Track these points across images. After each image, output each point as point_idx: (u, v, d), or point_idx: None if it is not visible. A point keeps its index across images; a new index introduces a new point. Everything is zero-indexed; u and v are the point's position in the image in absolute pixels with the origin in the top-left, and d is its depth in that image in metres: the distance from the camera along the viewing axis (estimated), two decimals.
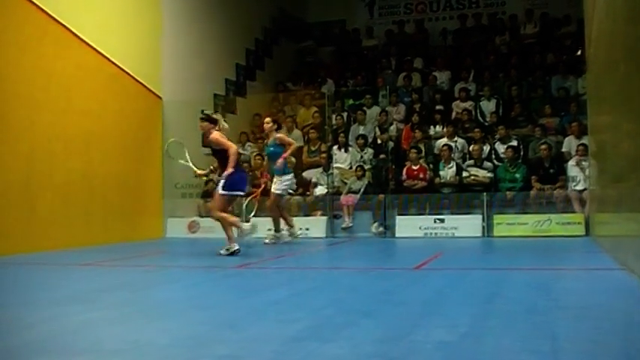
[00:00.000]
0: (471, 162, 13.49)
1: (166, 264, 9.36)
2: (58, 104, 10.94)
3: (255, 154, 14.88)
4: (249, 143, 15.78)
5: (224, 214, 9.16)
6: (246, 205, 12.05)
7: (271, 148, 11.39)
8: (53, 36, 10.87)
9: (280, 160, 11.06)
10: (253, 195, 11.89)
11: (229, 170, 8.99)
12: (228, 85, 16.64)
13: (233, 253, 8.93)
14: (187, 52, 14.82)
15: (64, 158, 11.03)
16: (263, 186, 12.09)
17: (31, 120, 10.35)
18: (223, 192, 9.07)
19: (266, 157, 12.26)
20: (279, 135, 11.58)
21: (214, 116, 9.62)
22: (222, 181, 9.08)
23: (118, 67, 12.38)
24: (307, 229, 12.85)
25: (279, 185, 11.20)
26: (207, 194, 14.18)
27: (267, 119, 11.72)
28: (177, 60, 14.33)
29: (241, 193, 9.76)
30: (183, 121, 14.35)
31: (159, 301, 5.54)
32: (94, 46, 11.74)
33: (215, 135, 9.26)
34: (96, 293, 5.93)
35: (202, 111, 10.25)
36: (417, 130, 14.52)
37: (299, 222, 12.94)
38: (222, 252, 9.08)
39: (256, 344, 3.62)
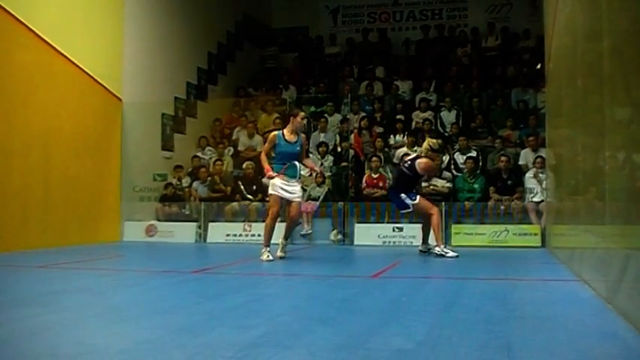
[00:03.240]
0: None
1: (124, 267, 9.25)
2: (15, 103, 10.78)
3: (214, 159, 14.83)
4: (209, 147, 15.70)
5: None
6: None
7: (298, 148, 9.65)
8: (12, 34, 10.71)
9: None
10: None
11: None
12: (189, 88, 16.53)
13: None
14: (149, 54, 14.70)
15: (21, 158, 10.87)
16: None
17: None
18: None
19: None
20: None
21: None
22: None
23: (78, 67, 12.22)
24: None
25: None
26: (166, 198, 14.11)
27: (303, 114, 9.98)
28: (139, 62, 14.20)
29: None
30: (143, 123, 14.31)
31: (116, 305, 5.48)
32: (54, 45, 11.58)
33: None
34: (52, 296, 5.85)
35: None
36: (363, 136, 14.58)
37: (258, 228, 12.93)
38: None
39: (213, 350, 3.59)
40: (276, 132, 9.68)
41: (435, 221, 9.99)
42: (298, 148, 9.42)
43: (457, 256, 9.58)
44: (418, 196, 10.10)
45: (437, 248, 9.87)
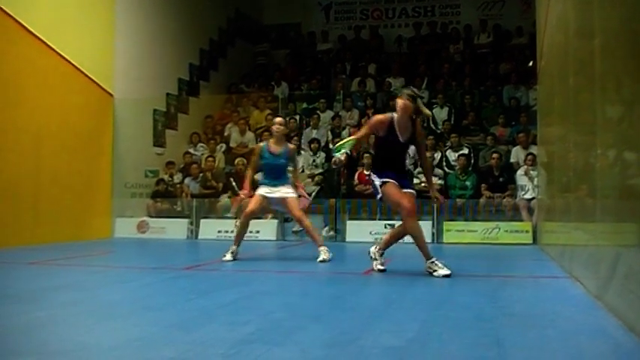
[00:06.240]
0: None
1: (115, 264, 9.24)
2: (6, 99, 10.73)
3: (206, 155, 14.80)
4: (200, 144, 15.69)
5: None
6: None
7: (282, 160, 9.05)
8: (2, 29, 10.65)
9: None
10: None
11: None
12: (181, 84, 16.51)
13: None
14: (141, 50, 14.67)
15: (12, 154, 10.82)
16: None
17: None
18: None
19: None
20: (292, 146, 9.41)
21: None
22: None
23: (70, 62, 12.18)
24: (258, 232, 12.82)
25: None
26: (158, 194, 14.09)
27: (280, 119, 9.25)
28: (130, 58, 14.17)
29: None
30: (134, 119, 14.27)
31: (107, 302, 5.46)
32: (45, 40, 11.54)
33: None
34: (42, 292, 5.82)
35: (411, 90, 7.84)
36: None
37: (250, 224, 12.89)
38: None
39: (204, 347, 3.59)
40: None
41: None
42: (283, 161, 8.99)
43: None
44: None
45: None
